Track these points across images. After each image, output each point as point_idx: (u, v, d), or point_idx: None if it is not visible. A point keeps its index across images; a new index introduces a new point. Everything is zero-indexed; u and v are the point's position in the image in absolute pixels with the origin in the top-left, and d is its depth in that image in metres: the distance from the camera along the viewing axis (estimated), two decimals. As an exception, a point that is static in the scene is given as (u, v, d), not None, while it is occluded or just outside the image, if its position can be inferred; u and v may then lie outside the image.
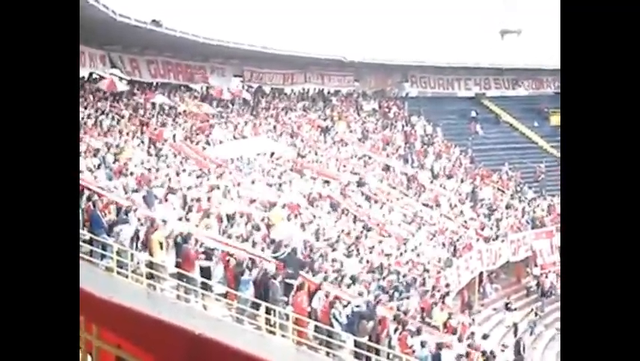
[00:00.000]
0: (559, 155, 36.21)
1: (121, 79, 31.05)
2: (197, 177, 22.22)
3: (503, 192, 37.43)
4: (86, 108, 24.89)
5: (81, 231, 14.81)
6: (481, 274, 27.80)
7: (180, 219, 17.32)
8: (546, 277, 29.42)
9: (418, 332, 16.73)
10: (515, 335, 24.64)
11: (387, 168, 33.88)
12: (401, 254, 23.57)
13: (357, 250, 21.67)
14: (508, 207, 34.54)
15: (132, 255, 14.76)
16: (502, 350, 20.62)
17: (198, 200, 19.49)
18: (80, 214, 15.17)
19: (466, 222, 30.35)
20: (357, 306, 16.09)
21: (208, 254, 15.98)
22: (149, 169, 21.09)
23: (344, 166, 31.58)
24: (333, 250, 20.68)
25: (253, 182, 24.40)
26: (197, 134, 28.23)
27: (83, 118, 23.43)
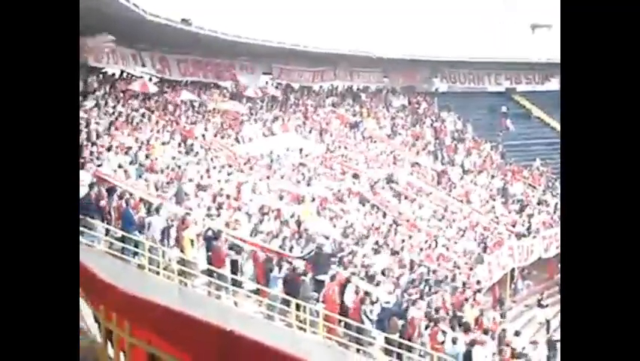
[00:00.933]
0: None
1: (151, 78, 31.29)
2: (228, 173, 22.35)
3: (535, 187, 36.95)
4: (117, 105, 25.13)
5: (113, 228, 14.99)
6: (512, 270, 27.57)
7: (211, 215, 17.43)
8: (578, 273, 29.01)
9: (452, 328, 16.64)
10: (547, 332, 24.39)
11: (416, 163, 33.68)
12: (432, 249, 23.47)
13: (387, 245, 21.61)
14: (539, 203, 34.13)
15: (164, 252, 14.87)
16: (534, 348, 20.40)
17: (228, 196, 19.62)
18: (112, 212, 15.35)
19: (497, 218, 30.10)
20: (387, 303, 16.04)
21: (238, 251, 16.06)
22: (180, 166, 21.25)
23: (373, 162, 31.50)
24: (363, 245, 20.64)
25: (282, 178, 24.47)
26: (227, 131, 28.37)
27: (114, 115, 23.68)
